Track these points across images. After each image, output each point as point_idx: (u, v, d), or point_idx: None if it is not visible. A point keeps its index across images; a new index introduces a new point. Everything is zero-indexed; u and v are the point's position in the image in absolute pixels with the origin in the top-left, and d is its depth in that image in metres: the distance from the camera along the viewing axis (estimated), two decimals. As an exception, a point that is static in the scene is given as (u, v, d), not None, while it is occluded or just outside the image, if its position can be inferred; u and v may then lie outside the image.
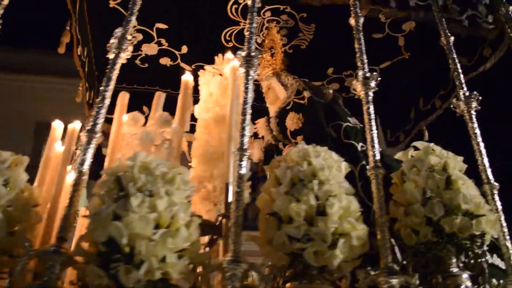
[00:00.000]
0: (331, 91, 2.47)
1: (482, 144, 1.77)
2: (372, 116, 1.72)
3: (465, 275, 1.40)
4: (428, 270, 1.43)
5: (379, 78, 1.77)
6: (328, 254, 1.24)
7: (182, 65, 3.42)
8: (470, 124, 1.83)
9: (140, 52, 3.28)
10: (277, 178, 1.42)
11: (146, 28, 3.07)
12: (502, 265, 1.84)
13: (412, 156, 1.60)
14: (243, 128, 1.50)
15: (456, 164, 1.51)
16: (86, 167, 1.33)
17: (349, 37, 3.15)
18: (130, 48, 1.61)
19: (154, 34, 3.13)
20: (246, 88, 1.61)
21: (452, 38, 2.10)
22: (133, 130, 1.50)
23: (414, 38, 3.12)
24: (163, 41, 3.19)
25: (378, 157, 1.59)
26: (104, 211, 1.14)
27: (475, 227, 1.38)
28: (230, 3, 2.89)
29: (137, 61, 3.36)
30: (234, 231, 1.30)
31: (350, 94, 3.73)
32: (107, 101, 1.46)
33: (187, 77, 1.85)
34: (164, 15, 2.98)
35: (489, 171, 1.70)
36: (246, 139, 1.48)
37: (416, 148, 1.62)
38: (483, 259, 1.50)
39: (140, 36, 3.13)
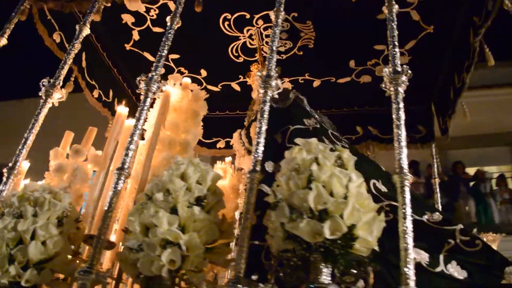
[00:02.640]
0: (291, 95, 2.37)
1: (403, 129, 1.52)
2: (265, 115, 1.68)
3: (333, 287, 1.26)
4: (298, 281, 1.33)
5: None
6: (157, 263, 1.30)
7: (210, 87, 3.71)
8: (394, 104, 1.59)
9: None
10: (146, 193, 1.54)
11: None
12: (458, 273, 1.53)
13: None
14: (127, 148, 1.67)
15: (329, 158, 1.37)
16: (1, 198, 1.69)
17: (352, 24, 2.98)
18: (57, 94, 1.95)
19: (172, 64, 3.50)
20: (141, 111, 1.77)
21: (396, 7, 1.85)
22: (54, 163, 1.82)
23: (430, 8, 2.73)
24: (182, 69, 3.54)
25: (259, 158, 1.55)
26: (-14, 232, 1.47)
27: (329, 230, 1.23)
28: (221, 21, 3.06)
29: (171, 91, 3.77)
30: (95, 245, 1.47)
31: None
32: (29, 142, 1.81)
33: (121, 110, 2.08)
34: (172, 45, 3.32)
35: (404, 159, 1.45)
36: (128, 159, 1.65)
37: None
38: (368, 268, 1.30)
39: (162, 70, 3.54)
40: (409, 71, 1.65)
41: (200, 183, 1.47)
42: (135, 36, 3.22)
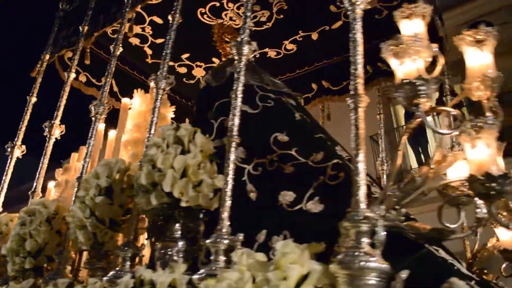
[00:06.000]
0: (228, 70, 2.59)
1: (239, 100, 1.74)
2: (158, 104, 2.08)
3: (181, 242, 1.66)
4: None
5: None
6: (78, 241, 1.92)
7: (230, 72, 4.15)
8: (236, 74, 1.82)
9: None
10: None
11: (181, 62, 4.06)
12: (315, 208, 1.71)
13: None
14: (84, 160, 2.32)
15: (167, 139, 1.74)
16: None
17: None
18: (58, 130, 2.73)
19: (188, 62, 4.05)
20: (92, 129, 2.40)
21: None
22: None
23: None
24: (198, 63, 4.06)
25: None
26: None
27: (156, 198, 1.63)
28: (199, 15, 3.47)
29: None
30: (64, 233, 2.18)
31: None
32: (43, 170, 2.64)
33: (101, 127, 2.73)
34: (180, 46, 3.87)
35: (236, 123, 1.68)
36: (84, 169, 2.30)
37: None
38: (200, 221, 1.66)
39: (184, 69, 4.14)
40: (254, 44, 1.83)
41: (109, 177, 2.02)
42: (148, 51, 3.90)
